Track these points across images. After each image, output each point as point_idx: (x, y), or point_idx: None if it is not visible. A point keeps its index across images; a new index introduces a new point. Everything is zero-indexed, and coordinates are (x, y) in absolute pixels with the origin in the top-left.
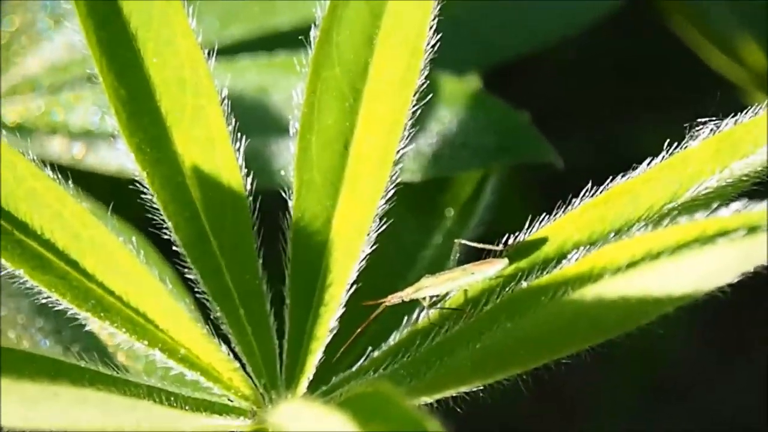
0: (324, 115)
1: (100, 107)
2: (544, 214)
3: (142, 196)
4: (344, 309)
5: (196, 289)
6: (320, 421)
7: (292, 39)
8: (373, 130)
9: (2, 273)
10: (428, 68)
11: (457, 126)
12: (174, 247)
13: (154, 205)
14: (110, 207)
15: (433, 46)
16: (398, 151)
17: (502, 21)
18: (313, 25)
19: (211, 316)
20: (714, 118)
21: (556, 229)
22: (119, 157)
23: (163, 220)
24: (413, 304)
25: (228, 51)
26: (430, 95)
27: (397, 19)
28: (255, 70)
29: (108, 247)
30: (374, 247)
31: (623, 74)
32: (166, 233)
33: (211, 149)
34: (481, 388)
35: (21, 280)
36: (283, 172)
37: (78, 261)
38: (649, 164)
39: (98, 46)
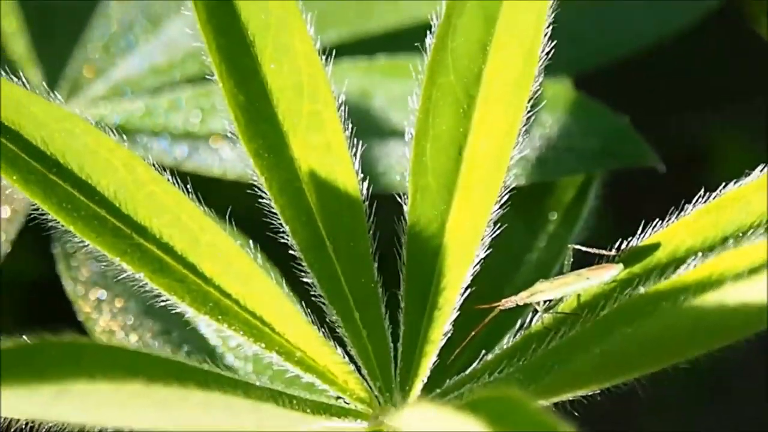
0: (439, 120)
1: (201, 109)
2: (656, 219)
3: (260, 200)
4: (458, 312)
5: (312, 293)
6: (447, 423)
7: (388, 43)
8: (487, 135)
9: (121, 276)
10: (542, 74)
11: (560, 130)
12: (290, 251)
13: (272, 210)
14: (228, 211)
15: (547, 54)
16: (512, 157)
17: (601, 23)
18: (428, 32)
19: (327, 320)
20: None
21: (668, 234)
22: (221, 160)
23: (280, 224)
24: (524, 307)
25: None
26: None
27: (512, 25)
28: (356, 74)
29: (226, 251)
30: (488, 252)
31: (706, 70)
32: (282, 237)
33: (328, 154)
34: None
35: (141, 283)
36: (386, 176)
37: (196, 264)
38: (761, 171)
39: (218, 53)
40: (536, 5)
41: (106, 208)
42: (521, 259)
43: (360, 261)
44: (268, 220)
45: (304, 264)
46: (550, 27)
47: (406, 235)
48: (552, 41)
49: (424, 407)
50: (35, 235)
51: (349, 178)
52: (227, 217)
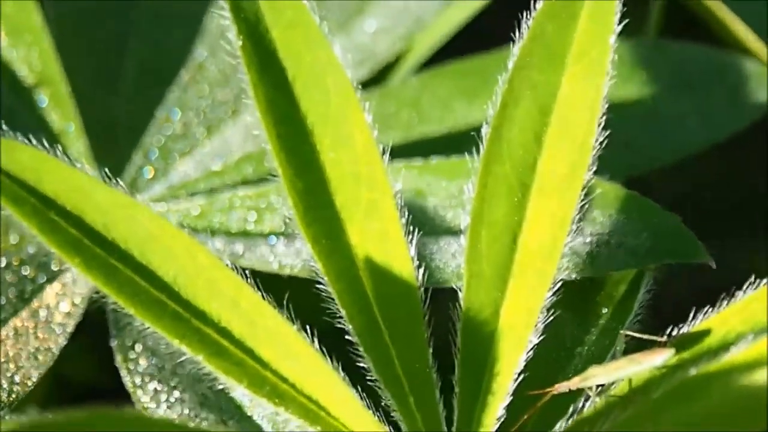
0: (494, 209)
1: (257, 209)
2: (707, 306)
3: (317, 286)
4: (511, 398)
5: (368, 377)
6: None
7: (442, 147)
8: (540, 224)
9: (180, 359)
10: (596, 165)
11: (612, 227)
12: (347, 336)
13: (328, 295)
14: (286, 296)
15: (600, 143)
16: (565, 245)
17: (651, 129)
18: (484, 123)
19: (382, 404)
20: None
21: (719, 321)
22: (277, 256)
23: (337, 309)
24: (575, 394)
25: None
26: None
27: (566, 117)
28: (411, 173)
29: (283, 336)
30: (541, 338)
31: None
32: (339, 322)
33: (385, 242)
34: None
35: (199, 367)
36: (440, 270)
37: (254, 349)
38: None
39: (277, 141)
40: (589, 100)
41: (167, 293)
42: (573, 352)
43: (415, 346)
44: (326, 305)
45: (360, 349)
46: (604, 131)
47: (460, 320)
48: (605, 147)
49: None
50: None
51: (405, 265)
52: (285, 302)
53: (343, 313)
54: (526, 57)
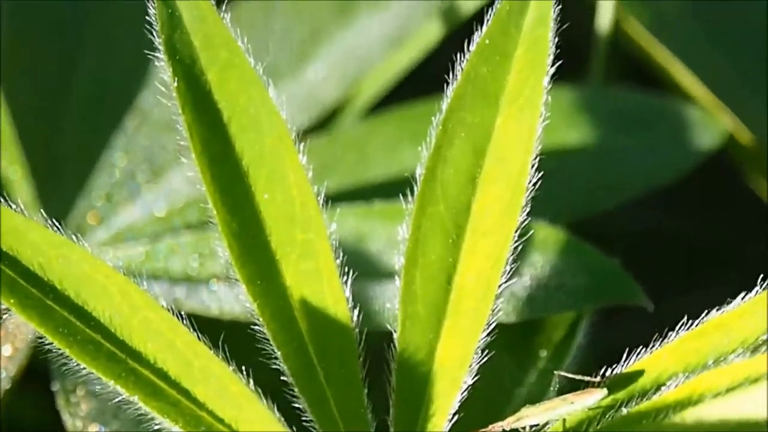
0: (428, 250)
1: (200, 254)
2: (640, 347)
3: (252, 327)
4: None
5: (303, 417)
6: None
7: (386, 191)
8: (475, 265)
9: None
10: (530, 205)
11: (551, 270)
12: (282, 377)
13: (263, 335)
14: (221, 336)
15: (534, 184)
16: (499, 286)
17: (596, 173)
18: (419, 164)
19: None
20: None
21: (652, 361)
22: (219, 301)
23: (272, 350)
24: None
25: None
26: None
27: (500, 158)
28: (353, 218)
29: (219, 376)
30: (475, 379)
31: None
32: (274, 363)
33: (319, 282)
34: None
35: (136, 407)
36: (380, 314)
37: (189, 389)
38: (743, 299)
39: (212, 182)
40: (523, 140)
41: (102, 333)
42: (512, 393)
43: (350, 386)
44: (261, 346)
45: (295, 389)
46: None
47: (395, 361)
48: (547, 188)
49: None
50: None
51: (340, 306)
52: (220, 343)
53: (278, 353)
54: (460, 98)
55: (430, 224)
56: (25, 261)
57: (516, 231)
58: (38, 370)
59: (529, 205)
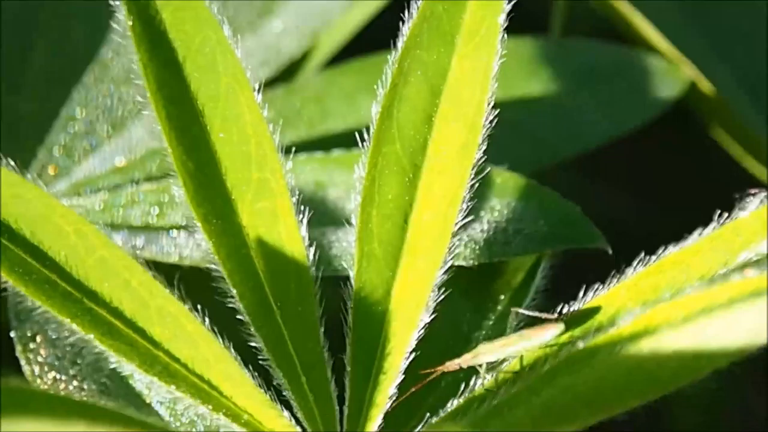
0: (384, 189)
1: (159, 204)
2: (597, 283)
3: (208, 265)
4: (403, 377)
5: (259, 357)
6: None
7: (345, 142)
8: (432, 204)
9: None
10: (486, 143)
11: (509, 214)
12: (238, 316)
13: (219, 274)
14: (177, 276)
15: (498, 112)
16: (456, 224)
17: (555, 123)
18: (374, 102)
19: (274, 383)
20: (764, 189)
21: (609, 298)
22: (179, 247)
23: (228, 289)
24: (471, 374)
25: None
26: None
27: (456, 97)
28: (312, 166)
29: (175, 316)
30: (432, 317)
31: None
32: (230, 302)
33: (275, 221)
34: None
35: (93, 350)
36: (339, 258)
37: (145, 329)
38: (699, 235)
39: (167, 121)
40: (479, 79)
41: (58, 273)
42: (469, 337)
43: (307, 325)
44: (216, 285)
45: (251, 328)
46: (505, 125)
47: (351, 300)
48: (508, 139)
49: None
50: None
51: (296, 245)
52: (176, 282)
53: (233, 292)
54: (416, 37)
55: (386, 163)
56: None
57: (472, 170)
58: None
59: (486, 145)
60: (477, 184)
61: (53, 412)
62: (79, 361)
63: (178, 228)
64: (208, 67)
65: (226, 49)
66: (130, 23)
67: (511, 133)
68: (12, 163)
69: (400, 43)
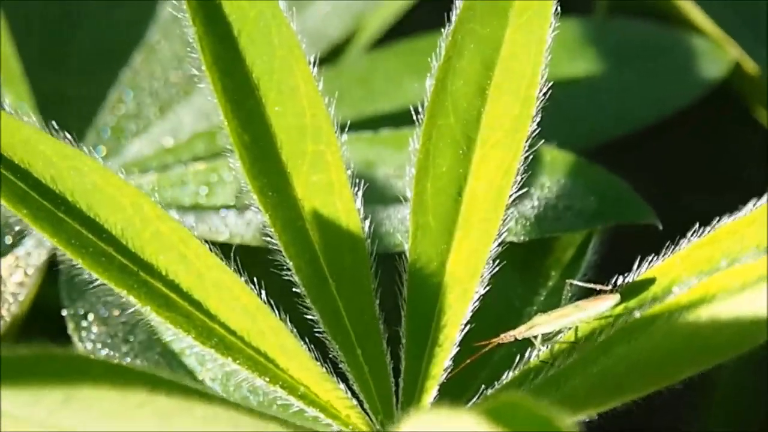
0: (439, 161)
1: (208, 183)
2: (652, 254)
3: (265, 238)
4: (458, 349)
5: (315, 329)
6: (451, 422)
7: (390, 123)
8: (486, 176)
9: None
10: (540, 114)
11: (559, 191)
12: (294, 288)
13: (276, 247)
14: (233, 248)
15: (544, 93)
16: (510, 196)
17: (601, 104)
18: (428, 74)
19: (330, 355)
20: None
21: (664, 269)
22: (229, 226)
23: (284, 262)
24: (525, 346)
25: None
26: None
27: (509, 69)
28: (360, 145)
29: (230, 288)
30: (486, 290)
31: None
32: (286, 274)
33: (330, 194)
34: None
35: (146, 323)
36: (389, 236)
37: (201, 301)
38: (754, 205)
39: (223, 94)
40: (533, 52)
41: (114, 246)
42: (521, 312)
43: (362, 298)
44: (272, 257)
45: (307, 300)
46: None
47: (407, 272)
48: (553, 119)
49: (427, 412)
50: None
51: (351, 217)
52: (232, 254)
53: (289, 264)
54: (470, 10)
55: (440, 135)
56: (36, 173)
57: (526, 143)
58: (48, 296)
59: (539, 118)
60: (530, 158)
61: (113, 379)
62: (131, 339)
63: (228, 207)
64: (263, 40)
65: (281, 22)
66: None
67: (556, 114)
68: (68, 136)
69: (453, 17)
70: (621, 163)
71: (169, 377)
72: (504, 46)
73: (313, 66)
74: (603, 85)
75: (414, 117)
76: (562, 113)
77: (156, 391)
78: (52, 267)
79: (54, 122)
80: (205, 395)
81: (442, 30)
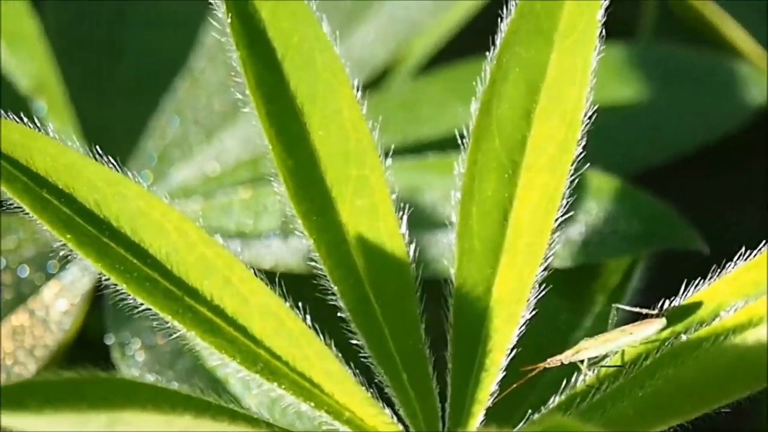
0: (484, 186)
1: (253, 211)
2: (698, 278)
3: (309, 262)
4: (504, 373)
5: (360, 354)
6: None
7: (436, 148)
8: (531, 200)
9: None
10: (585, 138)
11: (605, 216)
12: (339, 313)
13: (321, 272)
14: (278, 274)
15: (589, 117)
16: (556, 220)
17: (646, 129)
18: (473, 99)
19: (375, 380)
20: None
21: (710, 293)
22: (273, 254)
23: (328, 286)
24: (570, 371)
25: None
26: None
27: (555, 93)
28: (406, 171)
29: (276, 313)
30: (532, 314)
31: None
32: (331, 299)
33: (375, 218)
34: None
35: (192, 342)
36: (435, 262)
37: (246, 326)
38: None
39: (267, 119)
40: (578, 75)
41: (159, 271)
42: (567, 338)
43: (408, 322)
44: (317, 282)
45: (352, 325)
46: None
47: (452, 297)
48: (597, 144)
49: None
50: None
51: (396, 241)
52: (277, 279)
53: (334, 289)
54: (514, 33)
55: (485, 159)
56: (80, 198)
57: (571, 167)
58: (92, 325)
59: (585, 138)
60: (576, 182)
61: (159, 403)
62: (176, 366)
63: (273, 234)
64: (306, 64)
65: (325, 45)
66: (229, 21)
67: (600, 139)
68: (112, 160)
69: (498, 40)
70: (666, 186)
71: (215, 401)
72: (549, 69)
73: (357, 91)
74: (647, 110)
75: (459, 142)
76: (607, 138)
77: (202, 416)
78: (95, 295)
79: (98, 148)
80: (251, 419)
81: (485, 55)
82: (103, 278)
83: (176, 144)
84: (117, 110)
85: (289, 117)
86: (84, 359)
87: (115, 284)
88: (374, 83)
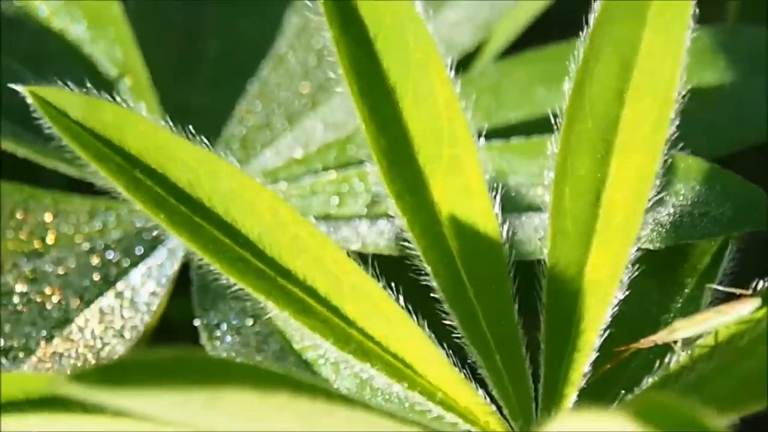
0: (577, 165)
1: (339, 194)
2: None
3: (402, 242)
4: (597, 354)
5: (453, 334)
6: (600, 423)
7: (520, 131)
8: (624, 180)
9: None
10: (678, 120)
11: (695, 198)
12: (432, 294)
13: (413, 252)
14: (370, 255)
15: (682, 97)
16: (649, 200)
17: (730, 112)
18: (566, 78)
19: (468, 361)
20: None
21: None
22: (361, 235)
23: (422, 267)
24: (663, 353)
25: None
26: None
27: (648, 72)
28: (492, 153)
29: (368, 293)
30: (626, 295)
31: None
32: (424, 279)
33: (468, 198)
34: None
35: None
36: (524, 244)
37: (339, 306)
38: None
39: (360, 97)
40: (671, 53)
41: (250, 250)
42: (658, 320)
43: (500, 303)
44: (410, 262)
45: (445, 306)
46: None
47: (545, 277)
48: (684, 128)
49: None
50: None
51: (489, 221)
52: (370, 260)
53: (428, 269)
54: (607, 12)
55: (578, 140)
56: (173, 178)
57: (665, 146)
58: (176, 308)
59: (678, 120)
60: (667, 161)
61: (254, 382)
62: (265, 348)
63: (360, 217)
64: (399, 43)
65: (418, 24)
66: (322, 0)
67: (687, 123)
68: (205, 140)
69: (591, 20)
70: (754, 168)
71: (312, 381)
72: (642, 48)
73: (450, 70)
74: (734, 94)
75: (544, 124)
76: (693, 121)
77: (298, 394)
78: (181, 279)
79: (190, 127)
80: (347, 399)
81: (570, 38)
82: (195, 259)
83: (261, 128)
84: (201, 95)
85: (382, 96)
86: (168, 343)
87: (207, 265)
88: (460, 66)
